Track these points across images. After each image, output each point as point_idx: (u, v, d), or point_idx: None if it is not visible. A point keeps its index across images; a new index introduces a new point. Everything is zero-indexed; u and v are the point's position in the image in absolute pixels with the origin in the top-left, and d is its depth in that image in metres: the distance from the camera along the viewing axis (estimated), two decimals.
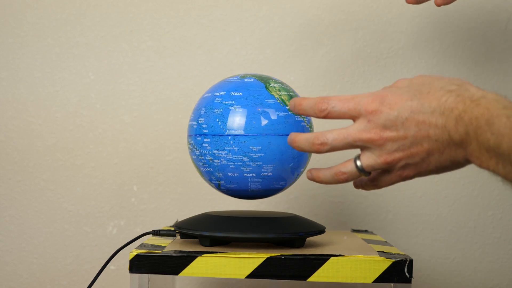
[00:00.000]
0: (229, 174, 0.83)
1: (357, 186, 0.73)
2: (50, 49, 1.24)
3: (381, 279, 0.75)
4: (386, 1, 1.20)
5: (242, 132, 0.82)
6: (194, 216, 0.87)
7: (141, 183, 1.22)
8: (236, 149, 0.82)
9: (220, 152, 0.82)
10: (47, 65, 1.23)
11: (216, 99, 0.84)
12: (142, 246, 0.82)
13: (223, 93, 0.84)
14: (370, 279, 0.75)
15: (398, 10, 1.20)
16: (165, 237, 0.90)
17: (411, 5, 1.20)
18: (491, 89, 1.26)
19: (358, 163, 0.67)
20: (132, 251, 0.78)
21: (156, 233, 0.89)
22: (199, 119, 0.85)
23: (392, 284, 0.75)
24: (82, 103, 1.23)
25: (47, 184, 1.23)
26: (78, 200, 1.23)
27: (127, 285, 0.78)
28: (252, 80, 0.86)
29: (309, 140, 0.69)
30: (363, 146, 0.67)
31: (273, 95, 0.85)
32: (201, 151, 0.84)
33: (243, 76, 0.87)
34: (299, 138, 0.70)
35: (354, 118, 0.67)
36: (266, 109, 0.83)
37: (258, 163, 0.83)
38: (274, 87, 0.86)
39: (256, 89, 0.85)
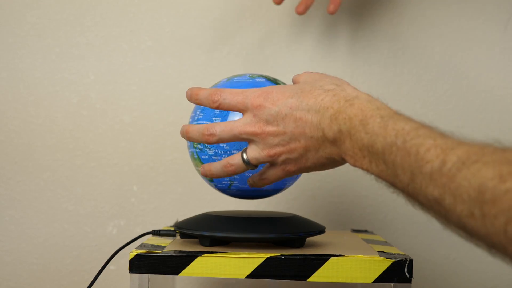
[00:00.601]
0: (246, 174, 0.83)
1: (250, 184, 0.77)
2: (50, 49, 1.24)
3: (381, 279, 0.75)
4: (386, 1, 1.20)
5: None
6: (194, 216, 0.87)
7: (141, 183, 1.22)
8: None
9: (238, 152, 0.82)
10: (47, 65, 1.23)
11: None
12: (142, 246, 0.82)
13: None
14: (370, 279, 0.75)
15: (398, 10, 1.20)
16: (165, 237, 0.90)
17: (411, 5, 1.20)
18: (493, 89, 1.26)
19: (244, 156, 0.72)
20: (132, 251, 0.78)
21: (156, 233, 0.89)
22: (213, 119, 0.83)
23: (392, 284, 0.75)
24: (82, 103, 1.23)
25: (47, 184, 1.23)
26: (78, 200, 1.23)
27: (127, 285, 0.78)
28: (263, 80, 0.87)
29: (200, 131, 0.73)
30: (249, 139, 0.71)
31: None
32: (217, 151, 0.83)
33: (253, 76, 0.88)
34: (192, 129, 0.74)
35: (242, 111, 0.72)
36: None
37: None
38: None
39: None
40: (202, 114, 0.85)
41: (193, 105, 0.90)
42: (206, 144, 0.83)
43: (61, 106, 1.23)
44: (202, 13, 1.22)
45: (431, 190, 0.53)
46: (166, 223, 1.21)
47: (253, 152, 0.71)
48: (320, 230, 0.84)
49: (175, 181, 1.22)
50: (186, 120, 1.17)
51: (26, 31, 1.24)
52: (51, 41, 1.24)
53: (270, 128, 0.69)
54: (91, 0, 1.23)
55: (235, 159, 0.73)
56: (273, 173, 0.73)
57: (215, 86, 0.88)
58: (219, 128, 0.72)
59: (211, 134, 0.72)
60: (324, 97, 0.67)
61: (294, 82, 0.77)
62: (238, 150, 0.81)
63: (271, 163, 0.72)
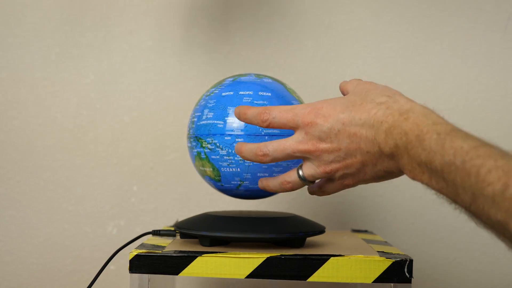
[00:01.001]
0: (258, 174, 0.83)
1: (310, 192, 0.76)
2: (50, 49, 1.24)
3: (381, 279, 0.75)
4: (386, 1, 1.20)
5: (277, 132, 0.82)
6: (194, 216, 0.87)
7: (141, 183, 1.22)
8: None
9: None
10: (47, 65, 1.23)
11: (245, 98, 0.83)
12: (142, 246, 0.82)
13: (251, 93, 0.84)
14: (370, 279, 0.75)
15: (398, 10, 1.20)
16: (165, 237, 0.90)
17: (411, 5, 1.20)
18: (493, 90, 1.26)
19: (300, 172, 0.71)
20: (132, 251, 0.78)
21: (156, 233, 0.89)
22: (226, 118, 0.83)
23: (392, 284, 0.75)
24: (82, 103, 1.23)
25: (47, 184, 1.23)
26: (78, 200, 1.23)
27: (127, 285, 0.78)
28: (270, 80, 0.88)
29: (253, 151, 0.72)
30: (303, 156, 0.70)
31: (294, 96, 0.88)
32: (230, 151, 0.82)
33: (259, 76, 0.88)
34: (245, 149, 0.73)
35: (293, 129, 0.70)
36: None
37: (288, 162, 0.84)
38: (290, 88, 0.89)
39: (279, 90, 0.86)
40: (211, 113, 0.84)
41: (193, 105, 0.90)
42: (217, 144, 0.82)
43: (61, 106, 1.23)
44: (202, 13, 1.22)
45: (494, 213, 0.52)
46: (166, 223, 1.21)
47: (309, 170, 0.70)
48: (320, 230, 0.84)
49: (175, 181, 1.22)
50: (186, 120, 1.17)
51: (26, 31, 1.24)
52: (51, 41, 1.24)
53: (324, 145, 0.67)
54: (91, 0, 1.23)
55: (292, 176, 0.72)
56: (332, 186, 0.72)
57: (221, 85, 0.87)
58: (272, 147, 0.71)
59: (264, 154, 0.71)
60: (377, 110, 0.65)
61: (341, 89, 0.75)
62: None
63: (329, 178, 0.71)
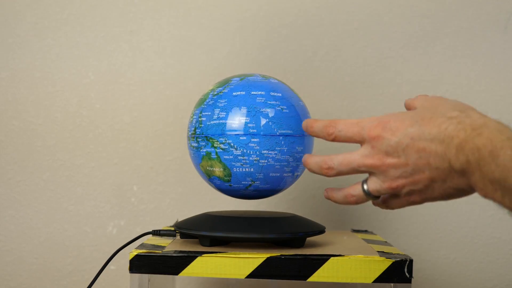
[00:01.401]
0: (270, 174, 0.83)
1: (373, 204, 0.74)
2: (50, 49, 1.24)
3: (381, 279, 0.75)
4: (386, 1, 1.20)
5: (291, 132, 0.83)
6: (194, 216, 0.87)
7: (141, 183, 1.22)
8: (285, 149, 0.83)
9: (270, 152, 0.82)
10: (47, 65, 1.23)
11: (258, 98, 0.83)
12: (142, 246, 0.82)
13: (263, 93, 0.84)
14: (370, 279, 0.75)
15: (398, 10, 1.20)
16: (165, 237, 0.90)
17: (411, 5, 1.20)
18: (493, 90, 1.26)
19: (365, 186, 0.69)
20: (132, 251, 0.78)
21: (156, 233, 0.89)
22: (240, 118, 0.82)
23: (392, 284, 0.75)
24: (82, 103, 1.23)
25: (47, 184, 1.23)
26: (78, 200, 1.23)
27: (127, 285, 0.78)
28: (276, 81, 0.88)
29: (318, 164, 0.70)
30: (368, 171, 0.67)
31: (299, 97, 0.89)
32: (245, 151, 0.82)
33: (265, 77, 0.88)
34: (310, 161, 0.72)
35: (359, 142, 0.68)
36: (303, 110, 0.87)
37: (298, 163, 0.85)
38: (293, 89, 0.90)
39: (287, 91, 0.87)
40: (224, 113, 0.83)
41: (193, 105, 0.90)
42: (231, 144, 0.82)
43: (61, 106, 1.23)
44: (202, 13, 1.22)
45: None
46: (166, 223, 1.21)
47: (374, 184, 0.68)
48: (320, 230, 0.84)
49: (175, 181, 1.22)
50: (186, 120, 1.17)
51: (26, 31, 1.24)
52: (51, 41, 1.24)
53: (391, 160, 0.65)
54: (91, 0, 1.23)
55: (356, 190, 0.70)
56: (397, 202, 0.70)
57: (229, 84, 0.86)
58: (337, 161, 0.69)
59: (329, 168, 0.69)
60: (448, 125, 0.62)
61: (407, 106, 0.73)
62: (268, 150, 0.82)
63: (395, 194, 0.69)
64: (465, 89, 1.20)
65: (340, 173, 0.69)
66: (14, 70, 1.24)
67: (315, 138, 0.87)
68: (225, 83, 0.87)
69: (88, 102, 1.23)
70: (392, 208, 0.72)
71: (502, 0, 1.19)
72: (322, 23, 1.21)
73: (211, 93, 0.87)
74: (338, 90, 1.21)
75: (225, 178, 0.85)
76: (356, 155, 0.67)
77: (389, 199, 0.71)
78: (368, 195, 0.69)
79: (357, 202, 0.71)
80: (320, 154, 0.72)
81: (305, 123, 0.73)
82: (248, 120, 0.82)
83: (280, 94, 0.85)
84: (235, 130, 0.82)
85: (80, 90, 1.23)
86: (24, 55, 1.24)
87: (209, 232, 0.80)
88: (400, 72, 1.20)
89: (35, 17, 1.24)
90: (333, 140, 0.70)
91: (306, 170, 0.97)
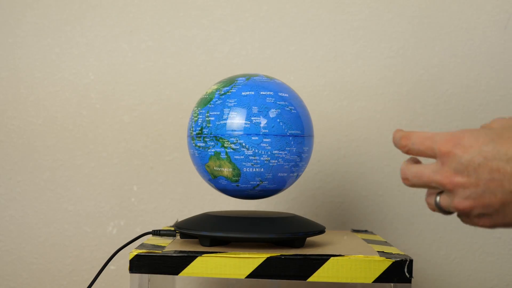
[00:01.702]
0: (279, 174, 0.83)
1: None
2: (50, 49, 1.24)
3: (381, 279, 0.75)
4: (386, 1, 1.20)
5: (299, 133, 0.84)
6: (194, 216, 0.87)
7: (141, 183, 1.22)
8: (294, 149, 0.84)
9: (280, 152, 0.83)
10: (47, 65, 1.23)
11: (268, 98, 0.83)
12: (142, 246, 0.82)
13: (272, 93, 0.84)
14: (370, 279, 0.75)
15: (398, 10, 1.20)
16: (165, 237, 0.90)
17: (411, 5, 1.20)
18: (493, 90, 1.26)
19: (438, 199, 0.66)
20: (132, 251, 0.78)
21: (156, 233, 0.89)
22: (252, 118, 0.82)
23: (392, 284, 0.75)
24: (82, 103, 1.23)
25: (47, 184, 1.23)
26: (78, 200, 1.23)
27: (127, 285, 0.78)
28: (280, 82, 0.89)
29: (401, 172, 0.68)
30: (438, 187, 0.65)
31: (300, 98, 0.89)
32: (256, 151, 0.82)
33: (270, 77, 0.88)
34: (401, 168, 0.69)
35: (432, 157, 0.65)
36: (306, 111, 0.88)
37: (303, 163, 0.86)
38: (294, 89, 0.91)
39: (291, 91, 0.88)
40: (235, 113, 0.83)
41: (193, 105, 0.90)
42: (243, 144, 0.82)
43: (61, 106, 1.23)
44: (202, 13, 1.22)
45: None
46: (166, 223, 1.21)
47: (445, 201, 0.64)
48: (320, 230, 0.84)
49: (175, 181, 1.22)
50: (186, 120, 1.17)
51: (26, 31, 1.24)
52: (51, 41, 1.24)
53: (460, 179, 0.61)
54: (91, 0, 1.23)
55: (431, 198, 0.67)
56: (468, 221, 0.66)
57: (236, 84, 0.86)
58: (410, 174, 0.66)
59: (405, 178, 0.67)
60: None
61: (489, 126, 0.68)
62: (279, 150, 0.82)
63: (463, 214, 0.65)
64: (465, 89, 1.20)
65: (414, 185, 0.66)
66: (14, 70, 1.24)
67: (314, 139, 0.87)
68: (231, 82, 0.86)
69: (88, 102, 1.23)
70: (464, 223, 0.68)
71: (502, 0, 1.19)
72: (322, 23, 1.21)
73: (217, 92, 0.86)
74: (338, 90, 1.21)
75: (233, 178, 0.84)
76: (428, 170, 0.64)
77: (461, 216, 0.67)
78: (439, 208, 0.66)
79: (434, 210, 0.67)
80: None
81: (393, 134, 0.71)
82: (260, 120, 0.82)
83: (287, 95, 0.86)
84: (247, 130, 0.82)
85: (80, 90, 1.23)
86: (24, 55, 1.24)
87: (209, 232, 0.80)
88: (400, 72, 1.20)
89: (35, 17, 1.24)
90: (407, 152, 0.67)
91: (306, 170, 0.97)
